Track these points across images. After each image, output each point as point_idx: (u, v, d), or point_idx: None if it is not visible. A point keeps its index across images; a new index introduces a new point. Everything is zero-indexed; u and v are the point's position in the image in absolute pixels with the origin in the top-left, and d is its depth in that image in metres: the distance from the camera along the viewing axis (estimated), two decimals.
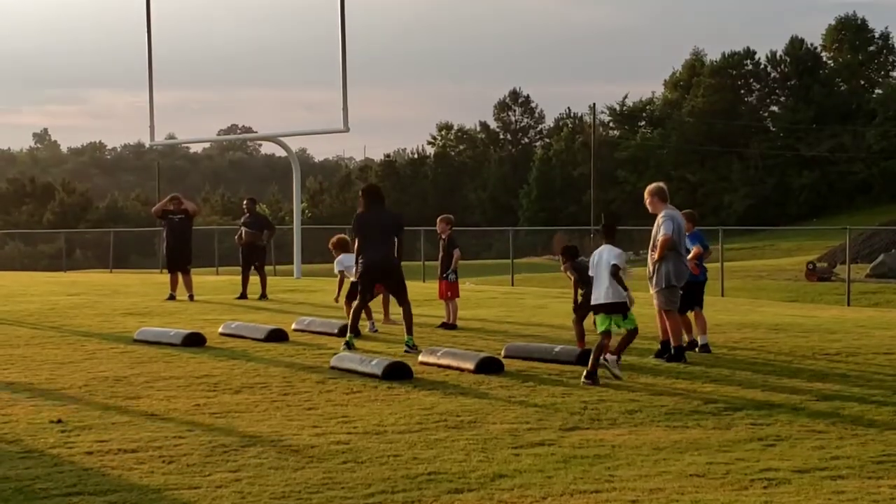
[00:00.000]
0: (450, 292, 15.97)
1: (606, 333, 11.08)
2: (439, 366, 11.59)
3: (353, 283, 14.55)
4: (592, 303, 11.42)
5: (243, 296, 20.84)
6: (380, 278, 13.67)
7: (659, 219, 12.25)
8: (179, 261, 20.91)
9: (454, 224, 16.48)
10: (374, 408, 9.49)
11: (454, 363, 11.59)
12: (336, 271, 15.74)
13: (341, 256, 15.55)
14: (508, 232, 33.51)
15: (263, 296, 20.82)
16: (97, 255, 44.19)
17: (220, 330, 14.85)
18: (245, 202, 22.84)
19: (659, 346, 12.44)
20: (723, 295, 24.89)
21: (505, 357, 12.10)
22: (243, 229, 21.35)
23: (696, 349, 12.74)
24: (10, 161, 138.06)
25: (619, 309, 11.12)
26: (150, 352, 13.12)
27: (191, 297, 20.33)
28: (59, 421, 8.82)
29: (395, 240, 13.36)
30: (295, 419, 8.97)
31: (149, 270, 38.59)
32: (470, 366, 11.37)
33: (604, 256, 11.24)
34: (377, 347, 13.37)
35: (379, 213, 13.54)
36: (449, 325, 15.58)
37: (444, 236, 16.23)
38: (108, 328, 15.79)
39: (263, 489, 6.68)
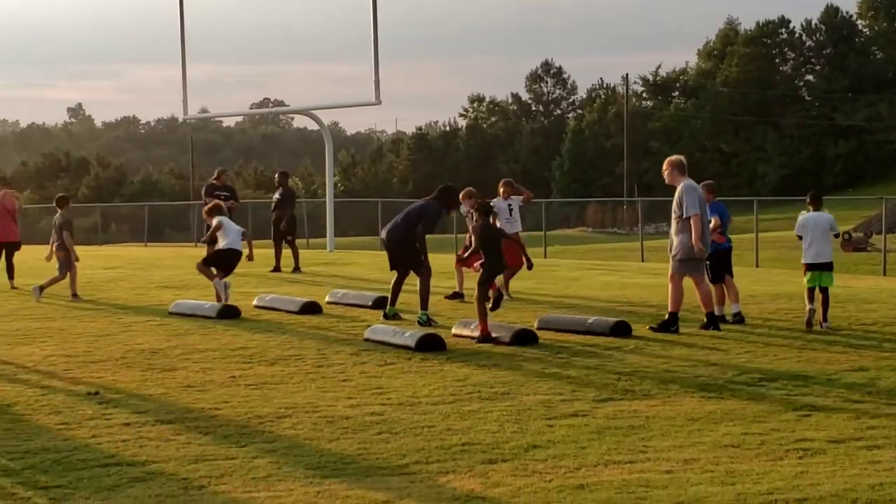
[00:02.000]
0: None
1: (812, 290, 12.55)
2: (473, 338, 11.60)
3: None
4: (809, 261, 12.61)
5: (277, 269, 20.94)
6: (390, 250, 13.72)
7: (679, 189, 12.22)
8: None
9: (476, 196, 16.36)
10: (407, 379, 9.53)
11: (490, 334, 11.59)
12: None
13: None
14: (541, 204, 33.30)
15: (297, 269, 20.90)
16: (132, 229, 44.48)
17: (255, 303, 14.93)
18: (277, 176, 22.90)
19: (670, 318, 12.37)
20: (757, 265, 24.74)
21: (538, 329, 12.10)
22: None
23: (729, 319, 12.70)
24: (45, 136, 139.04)
25: (829, 267, 12.71)
26: (185, 324, 13.22)
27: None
28: (97, 393, 8.92)
29: (415, 224, 13.35)
30: (329, 391, 9.02)
31: (183, 244, 38.82)
32: (506, 337, 11.37)
33: (819, 221, 12.73)
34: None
35: (422, 201, 14.07)
36: (458, 294, 15.47)
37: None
38: (143, 301, 15.91)
39: (299, 460, 6.73)
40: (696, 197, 12.09)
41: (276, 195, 21.90)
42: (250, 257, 15.19)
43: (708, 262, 12.86)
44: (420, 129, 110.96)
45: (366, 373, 9.88)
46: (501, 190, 16.35)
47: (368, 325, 12.38)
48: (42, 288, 16.05)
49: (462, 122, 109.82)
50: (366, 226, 34.63)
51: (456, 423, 7.73)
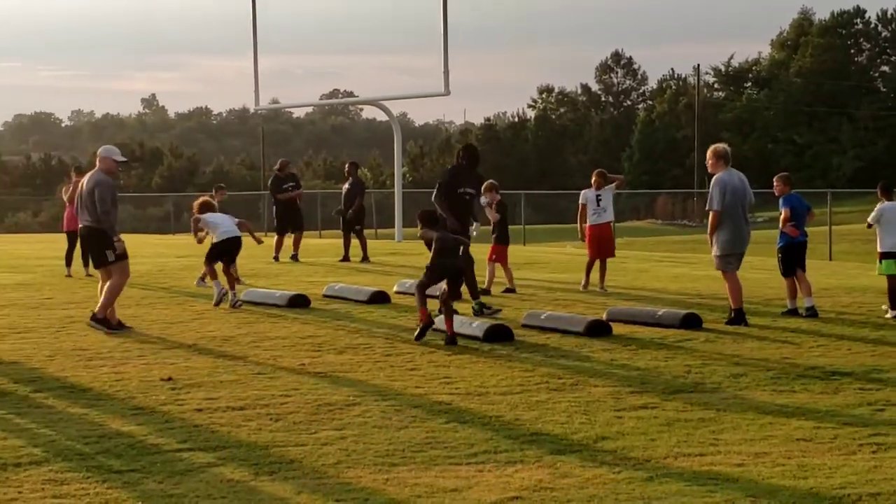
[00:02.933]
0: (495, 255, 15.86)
1: (893, 276, 12.51)
2: (543, 328, 11.57)
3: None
4: (886, 249, 12.53)
5: (345, 258, 21.08)
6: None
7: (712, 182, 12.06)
8: (292, 224, 21.51)
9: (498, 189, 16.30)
10: (475, 369, 9.53)
11: (559, 326, 11.57)
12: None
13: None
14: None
15: (365, 258, 21.01)
16: None
17: (324, 292, 15.03)
18: (347, 166, 23.04)
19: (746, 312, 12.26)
20: (831, 259, 24.38)
21: (607, 320, 12.04)
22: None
23: (802, 313, 12.53)
24: (119, 126, 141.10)
25: None
26: (255, 312, 13.35)
27: (294, 257, 20.92)
28: (170, 379, 9.04)
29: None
30: (398, 379, 9.06)
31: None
32: (579, 328, 11.32)
33: None
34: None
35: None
36: (485, 291, 15.35)
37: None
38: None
39: (368, 447, 6.77)
40: (719, 190, 11.87)
41: (346, 185, 22.02)
42: (258, 241, 15.55)
43: (780, 255, 12.73)
44: (488, 119, 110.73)
45: (434, 362, 9.90)
46: (593, 180, 16.25)
47: (437, 315, 12.40)
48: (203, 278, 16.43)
49: (531, 113, 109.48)
50: None
51: (524, 414, 7.73)
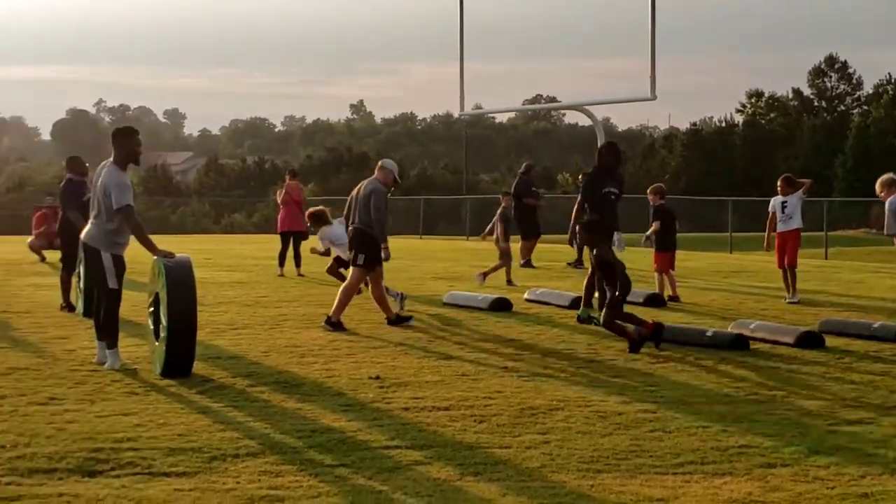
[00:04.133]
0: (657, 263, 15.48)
1: None
2: (752, 338, 11.28)
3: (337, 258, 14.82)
4: None
5: (579, 263, 20.76)
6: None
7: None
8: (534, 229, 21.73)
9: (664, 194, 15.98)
10: (681, 378, 9.39)
11: (769, 336, 11.27)
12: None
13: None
14: (822, 203, 31.82)
15: (578, 263, 20.66)
16: (407, 222, 45.71)
17: (526, 296, 15.09)
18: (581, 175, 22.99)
19: None
20: None
21: (819, 332, 11.65)
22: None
23: None
24: (328, 131, 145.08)
25: None
26: (458, 314, 13.52)
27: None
28: (378, 377, 9.26)
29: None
30: (601, 385, 9.01)
31: (455, 237, 39.66)
32: (789, 339, 11.01)
33: None
34: (684, 318, 13.20)
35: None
36: (672, 298, 15.04)
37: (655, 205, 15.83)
38: (419, 291, 16.37)
39: (572, 452, 6.76)
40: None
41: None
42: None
43: None
44: (694, 124, 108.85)
45: (637, 370, 9.80)
46: (778, 186, 15.81)
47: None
48: (485, 275, 17.12)
49: (739, 118, 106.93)
50: (638, 222, 34.31)
51: (732, 425, 7.56)
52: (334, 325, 12.19)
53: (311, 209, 16.04)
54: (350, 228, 12.88)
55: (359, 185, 13.05)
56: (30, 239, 22.90)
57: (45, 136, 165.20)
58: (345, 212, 13.13)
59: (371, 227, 12.48)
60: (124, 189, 9.50)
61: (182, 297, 9.14)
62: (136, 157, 9.76)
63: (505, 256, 17.36)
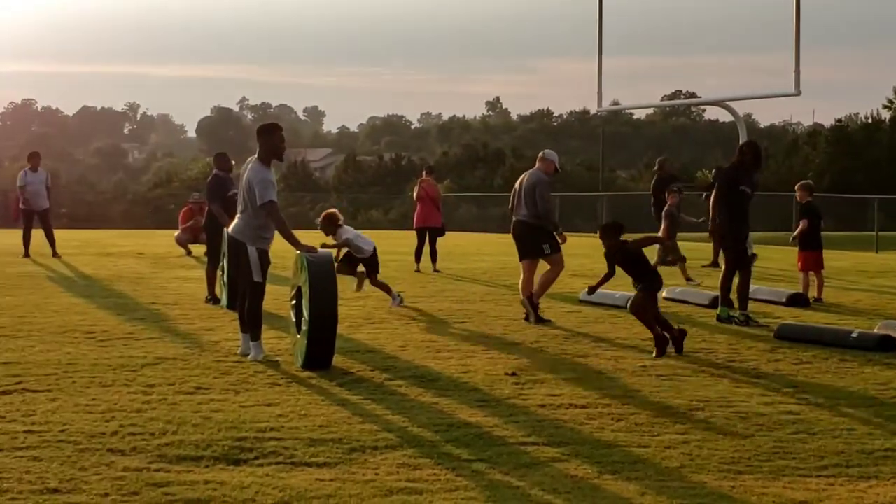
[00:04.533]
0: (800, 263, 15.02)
1: None
2: None
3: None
4: None
5: (714, 264, 20.29)
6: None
7: None
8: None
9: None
10: (824, 379, 9.17)
11: None
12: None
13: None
14: None
15: (713, 264, 20.35)
16: None
17: (665, 295, 14.89)
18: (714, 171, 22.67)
19: None
20: None
21: None
22: None
23: None
24: (464, 127, 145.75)
25: None
26: (595, 312, 13.45)
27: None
28: (514, 374, 9.27)
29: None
30: (742, 386, 8.86)
31: (591, 235, 39.36)
32: None
33: None
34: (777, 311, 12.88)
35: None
36: (816, 300, 14.58)
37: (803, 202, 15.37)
38: (556, 288, 16.26)
39: (712, 453, 6.67)
40: None
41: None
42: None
43: None
44: (839, 120, 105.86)
45: (780, 370, 9.61)
46: None
47: (781, 322, 12.03)
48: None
49: (885, 114, 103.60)
50: (780, 219, 33.60)
51: (878, 428, 7.35)
52: (535, 307, 12.59)
53: (326, 212, 14.36)
54: (515, 220, 13.20)
55: (521, 178, 13.36)
56: (176, 233, 23.57)
57: (191, 132, 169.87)
58: (509, 205, 13.33)
59: (538, 217, 12.88)
60: (268, 185, 9.71)
61: (323, 292, 9.31)
62: (280, 153, 9.97)
63: (674, 252, 17.20)
